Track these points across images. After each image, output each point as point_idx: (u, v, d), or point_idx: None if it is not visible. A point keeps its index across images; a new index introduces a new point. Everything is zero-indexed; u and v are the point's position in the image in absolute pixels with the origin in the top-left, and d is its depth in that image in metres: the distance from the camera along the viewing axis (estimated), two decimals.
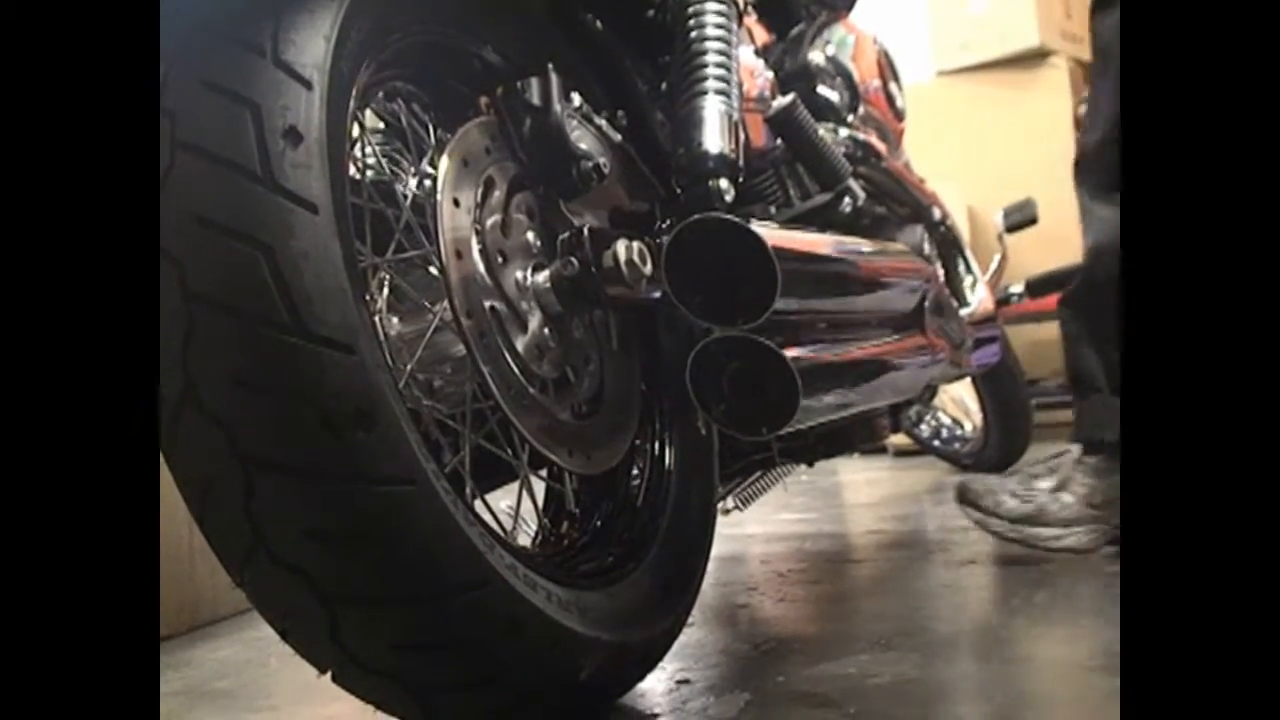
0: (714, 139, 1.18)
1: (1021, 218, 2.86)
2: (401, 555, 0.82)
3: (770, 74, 1.74)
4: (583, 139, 1.18)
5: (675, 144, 1.21)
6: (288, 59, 0.84)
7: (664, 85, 1.35)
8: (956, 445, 2.97)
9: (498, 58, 1.19)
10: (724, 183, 1.18)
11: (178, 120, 0.81)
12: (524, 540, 1.16)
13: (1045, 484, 1.70)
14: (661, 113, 1.34)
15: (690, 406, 1.16)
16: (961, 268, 2.34)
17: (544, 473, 1.23)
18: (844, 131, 1.89)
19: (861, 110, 2.00)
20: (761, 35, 1.91)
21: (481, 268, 1.04)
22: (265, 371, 0.78)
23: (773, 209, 1.58)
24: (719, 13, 1.26)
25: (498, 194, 1.10)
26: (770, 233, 1.07)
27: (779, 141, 1.57)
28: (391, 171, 1.14)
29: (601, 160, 1.16)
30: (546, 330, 1.10)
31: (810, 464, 1.78)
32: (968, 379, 2.67)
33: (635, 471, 1.28)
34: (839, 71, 1.97)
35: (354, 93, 0.96)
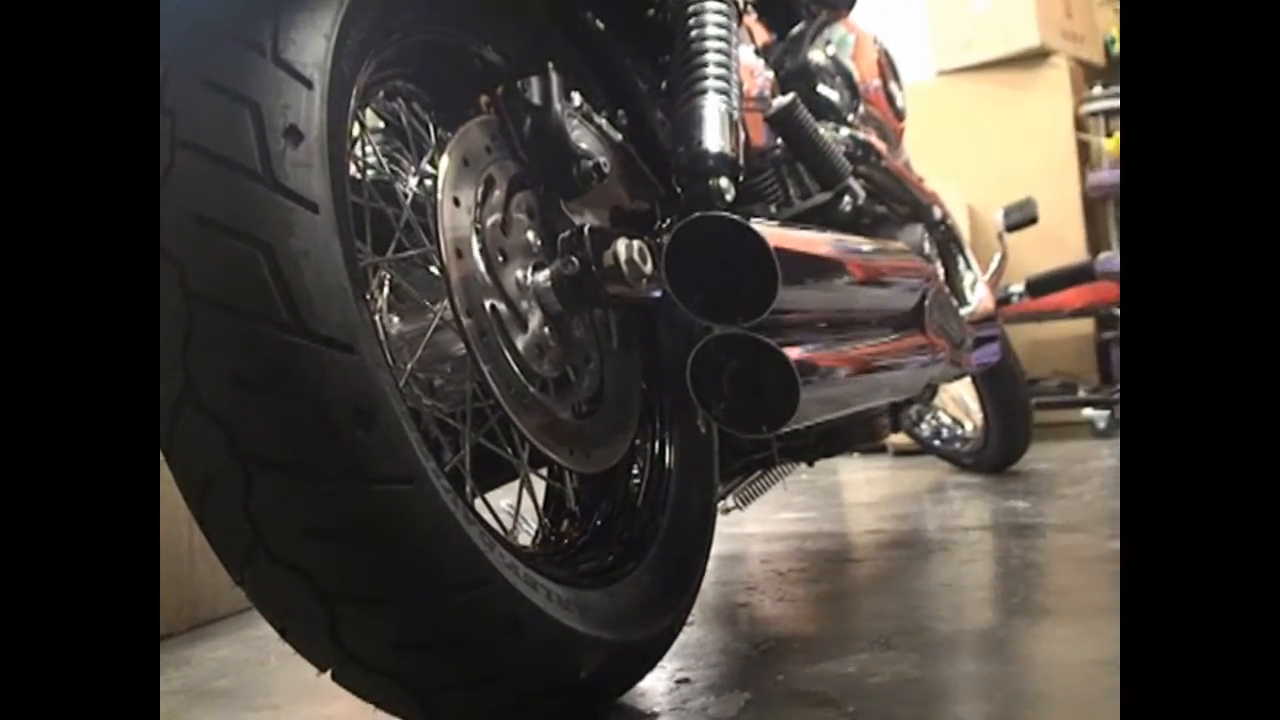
0: (714, 138, 1.18)
1: (1022, 217, 2.86)
2: (401, 554, 0.82)
3: (770, 73, 1.74)
4: (583, 138, 1.18)
5: (675, 143, 1.21)
6: (288, 58, 0.84)
7: (664, 84, 1.35)
8: (957, 445, 2.97)
9: (498, 57, 1.19)
10: (724, 182, 1.18)
11: (177, 119, 0.81)
12: (524, 539, 1.16)
13: None
14: (662, 112, 1.34)
15: (690, 405, 1.16)
16: (962, 267, 2.34)
17: (544, 472, 1.23)
18: (844, 131, 1.89)
19: (862, 109, 2.00)
20: (762, 34, 1.91)
21: (482, 267, 1.04)
22: (265, 370, 0.78)
23: (773, 208, 1.58)
24: (719, 12, 1.26)
25: (498, 193, 1.10)
26: (770, 231, 1.07)
27: (779, 141, 1.57)
28: (392, 170, 1.14)
29: (602, 159, 1.17)
30: (547, 329, 1.10)
31: (810, 463, 1.78)
32: (968, 378, 2.67)
33: (635, 470, 1.28)
34: (839, 71, 1.97)
35: (354, 91, 0.95)
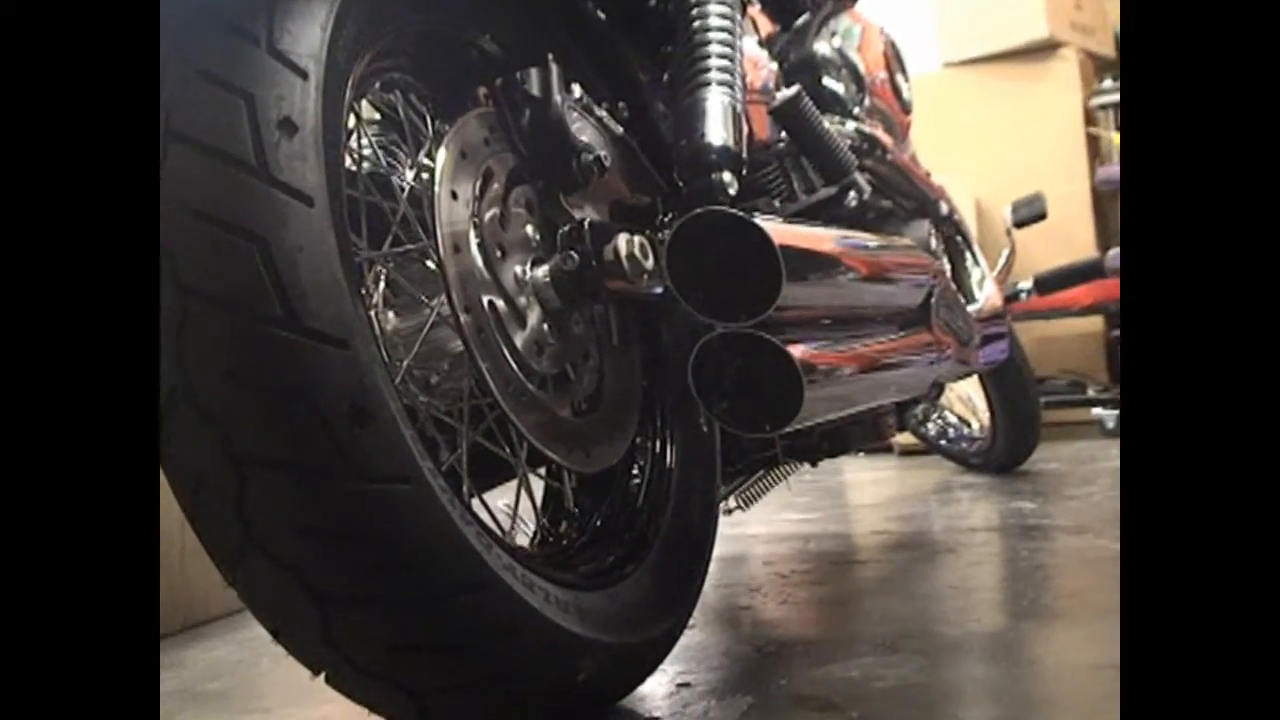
0: (717, 131, 1.18)
1: (1030, 212, 2.86)
2: (397, 555, 0.82)
3: (774, 65, 1.73)
4: (583, 131, 1.18)
5: (677, 136, 1.21)
6: (283, 48, 0.84)
7: (666, 76, 1.35)
8: (963, 444, 2.97)
9: (496, 47, 1.18)
10: (727, 176, 1.18)
11: (171, 111, 0.81)
12: (522, 540, 1.16)
13: None
14: (664, 104, 1.34)
15: (692, 404, 1.16)
16: (969, 263, 2.33)
17: (543, 471, 1.23)
18: (850, 124, 1.89)
19: (867, 102, 2.00)
20: (766, 26, 1.91)
21: (480, 262, 1.04)
22: (259, 367, 0.78)
23: (777, 203, 1.57)
24: (723, 2, 1.26)
25: (496, 186, 1.10)
26: (774, 227, 1.07)
27: (783, 134, 1.57)
28: (388, 163, 1.14)
29: (602, 153, 1.16)
30: (546, 326, 1.10)
31: (814, 463, 1.78)
32: (975, 377, 2.67)
33: (636, 470, 1.28)
34: (845, 63, 1.96)
35: (350, 83, 0.95)
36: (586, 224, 1.11)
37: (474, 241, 1.04)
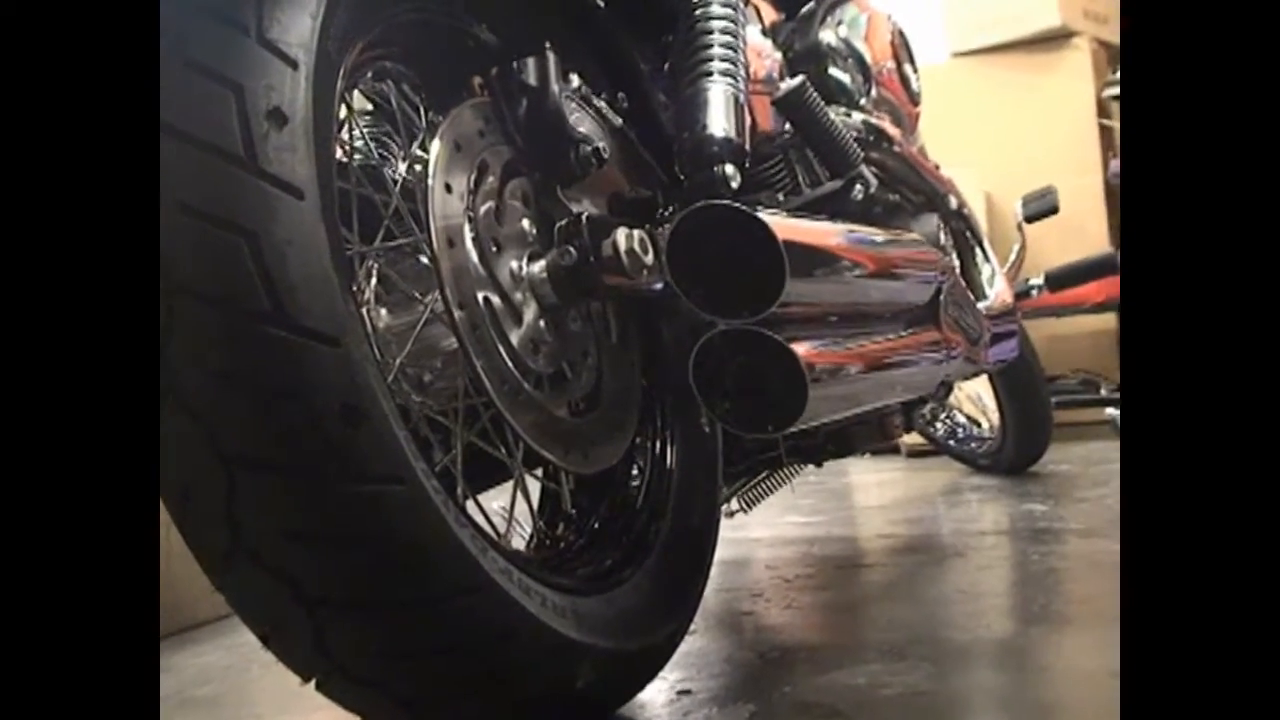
0: (719, 122, 1.18)
1: (1041, 207, 2.86)
2: (389, 558, 0.82)
3: (779, 54, 1.74)
4: (581, 122, 1.18)
5: (678, 128, 1.21)
6: (273, 37, 0.84)
7: (667, 66, 1.35)
8: (973, 445, 2.97)
9: (492, 36, 1.18)
10: (729, 168, 1.18)
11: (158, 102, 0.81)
12: (518, 543, 1.16)
13: None
14: (664, 95, 1.34)
15: (693, 403, 1.16)
16: (979, 259, 2.33)
17: (539, 472, 1.23)
18: (856, 115, 1.89)
19: (874, 93, 2.00)
20: (770, 14, 1.91)
21: (474, 257, 1.04)
22: (247, 365, 0.78)
23: (780, 196, 1.57)
24: None
25: (492, 179, 1.10)
26: (778, 221, 1.07)
27: (787, 126, 1.57)
28: (380, 155, 1.14)
29: (601, 144, 1.16)
30: (542, 323, 1.10)
31: (819, 464, 1.78)
32: (984, 376, 2.67)
33: (635, 471, 1.28)
34: (851, 52, 1.96)
35: (341, 72, 0.95)
36: (584, 218, 1.11)
37: (468, 236, 1.04)
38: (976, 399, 3.01)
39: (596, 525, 1.23)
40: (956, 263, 2.14)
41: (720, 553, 1.32)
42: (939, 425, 3.02)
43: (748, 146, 1.21)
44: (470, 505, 1.07)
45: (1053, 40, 4.05)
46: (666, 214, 1.24)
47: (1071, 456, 3.06)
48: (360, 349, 0.82)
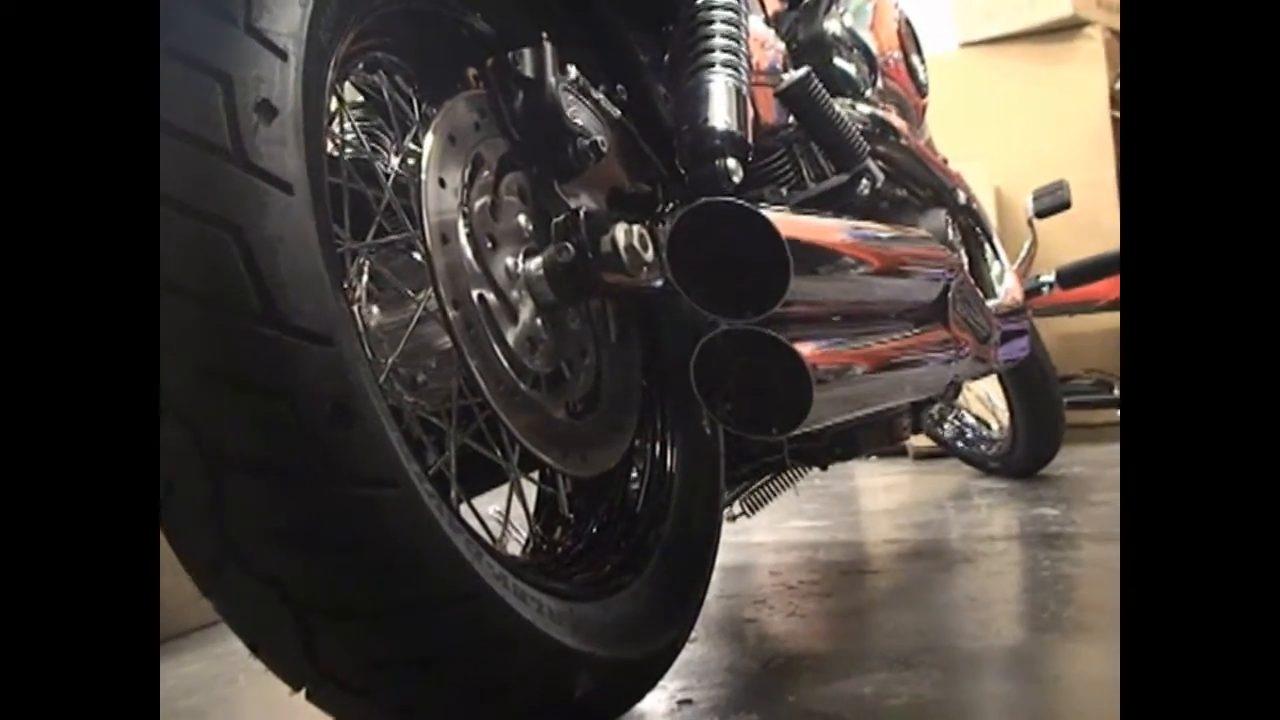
0: (721, 115, 1.18)
1: (1053, 202, 2.86)
2: (381, 564, 0.82)
3: (782, 45, 1.73)
4: (579, 114, 1.18)
5: (679, 121, 1.21)
6: (262, 27, 0.84)
7: (668, 57, 1.35)
8: (982, 447, 2.98)
9: (487, 26, 1.18)
10: (732, 163, 1.18)
11: None
12: (514, 548, 1.16)
13: None
14: (665, 87, 1.34)
15: (694, 405, 1.16)
16: (988, 255, 2.33)
17: (535, 475, 1.23)
18: (862, 107, 1.89)
19: (881, 84, 2.00)
20: (773, 3, 1.91)
21: (469, 253, 1.04)
22: (235, 364, 0.78)
23: (784, 191, 1.57)
24: None
25: (487, 174, 1.10)
26: (782, 217, 1.07)
27: (791, 118, 1.57)
28: (372, 149, 1.14)
29: (599, 138, 1.16)
30: (539, 321, 1.10)
31: (824, 467, 1.78)
32: (994, 376, 2.67)
33: (634, 474, 1.28)
34: (856, 42, 1.96)
35: (332, 63, 0.95)
36: (582, 213, 1.11)
37: (463, 232, 1.04)
38: (986, 399, 3.02)
39: (595, 530, 1.23)
40: (965, 259, 2.14)
41: (722, 558, 1.32)
42: (947, 427, 3.02)
43: (750, 140, 1.21)
44: (465, 509, 1.07)
45: (1065, 30, 4.05)
46: (667, 209, 1.24)
47: (1084, 459, 3.06)
48: (352, 348, 0.82)
